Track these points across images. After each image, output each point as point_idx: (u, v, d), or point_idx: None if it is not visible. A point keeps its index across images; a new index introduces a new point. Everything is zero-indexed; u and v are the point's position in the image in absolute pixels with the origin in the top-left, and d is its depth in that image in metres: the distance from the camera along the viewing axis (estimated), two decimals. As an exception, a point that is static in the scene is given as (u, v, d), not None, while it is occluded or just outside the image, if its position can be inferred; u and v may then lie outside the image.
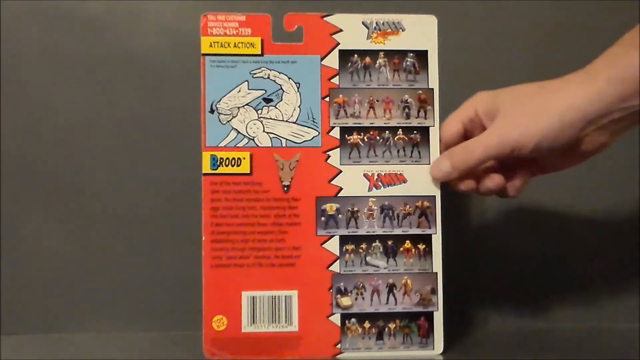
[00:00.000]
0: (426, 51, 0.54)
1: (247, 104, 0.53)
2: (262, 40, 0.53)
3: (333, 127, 0.55)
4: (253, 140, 0.54)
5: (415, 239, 0.55)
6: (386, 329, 0.56)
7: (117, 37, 0.61)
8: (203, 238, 0.54)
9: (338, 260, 0.55)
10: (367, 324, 0.56)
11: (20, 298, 0.62)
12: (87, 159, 0.63)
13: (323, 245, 0.54)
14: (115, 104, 0.63)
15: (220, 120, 0.54)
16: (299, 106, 0.54)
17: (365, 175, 0.55)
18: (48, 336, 0.60)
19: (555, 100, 0.48)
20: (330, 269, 0.55)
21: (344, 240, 0.55)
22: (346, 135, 0.55)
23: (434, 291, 0.56)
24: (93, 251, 0.63)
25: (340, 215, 0.55)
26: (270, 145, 0.54)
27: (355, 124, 0.55)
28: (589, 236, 0.67)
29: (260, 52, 0.53)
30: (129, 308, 0.65)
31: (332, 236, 0.54)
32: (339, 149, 0.55)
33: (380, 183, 0.55)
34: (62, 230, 0.62)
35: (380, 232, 0.55)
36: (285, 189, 0.54)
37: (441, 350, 0.56)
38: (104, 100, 0.62)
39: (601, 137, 0.49)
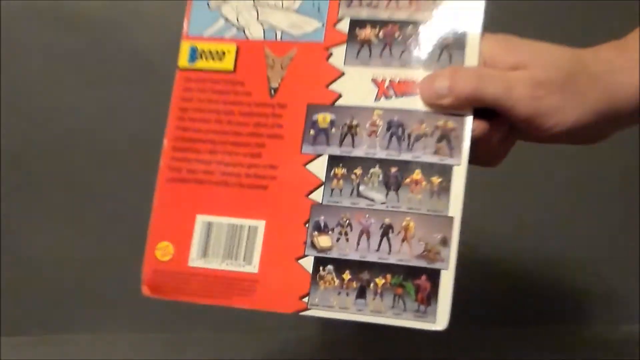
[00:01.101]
0: None
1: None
2: None
3: (341, 19, 0.55)
4: (243, 31, 0.56)
5: (429, 169, 0.51)
6: (371, 285, 0.53)
7: (118, 36, 0.70)
8: (164, 144, 0.57)
9: (322, 187, 0.52)
10: (346, 275, 0.53)
11: (20, 299, 0.69)
12: (88, 159, 0.71)
13: (307, 166, 0.53)
14: (116, 103, 0.72)
15: (209, 6, 0.57)
16: (303, -5, 0.58)
17: (373, 81, 0.53)
18: (48, 337, 0.66)
19: (603, 87, 0.52)
20: (310, 197, 0.53)
21: (333, 161, 0.53)
22: (357, 29, 0.54)
23: (445, 242, 0.51)
24: (94, 252, 0.71)
25: (334, 130, 0.53)
26: (262, 38, 0.56)
27: (369, 16, 0.54)
28: (589, 235, 0.75)
29: None
30: (129, 309, 0.70)
31: (320, 155, 0.53)
32: (345, 45, 0.54)
33: (391, 91, 0.53)
34: (63, 231, 0.70)
35: (382, 155, 0.52)
36: (272, 92, 0.54)
37: (445, 324, 0.51)
38: (105, 100, 0.70)
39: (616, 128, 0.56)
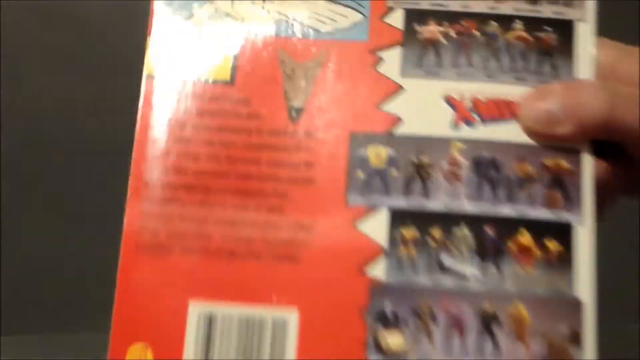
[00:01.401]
0: None
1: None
2: None
3: (392, 9, 0.42)
4: (242, 22, 0.42)
5: (540, 230, 0.39)
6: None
7: (118, 36, 0.68)
8: (128, 192, 0.40)
9: (385, 257, 0.39)
10: (433, 393, 0.39)
11: (20, 298, 0.69)
12: (89, 158, 0.72)
13: (357, 226, 0.39)
14: (117, 102, 0.70)
15: None
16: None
17: (447, 100, 0.41)
18: (48, 336, 0.66)
19: None
20: (367, 272, 0.39)
21: (398, 217, 0.40)
22: (416, 25, 0.42)
23: (575, 337, 0.37)
24: (94, 251, 0.68)
25: (394, 171, 0.40)
26: (273, 34, 0.42)
27: (434, 5, 0.42)
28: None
29: None
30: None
31: (376, 209, 0.40)
32: (400, 47, 0.42)
33: (475, 115, 0.41)
34: (63, 230, 0.69)
35: (470, 208, 0.40)
36: (294, 114, 0.41)
37: None
38: (106, 100, 0.70)
39: None
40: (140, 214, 0.40)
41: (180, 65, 0.42)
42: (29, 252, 0.69)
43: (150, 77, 0.42)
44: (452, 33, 0.42)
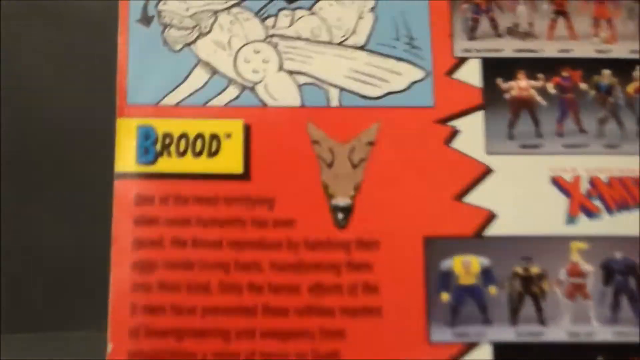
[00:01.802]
0: None
1: (236, 3, 0.42)
2: None
3: (463, 60, 0.41)
4: (254, 90, 0.40)
5: None
6: None
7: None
8: (109, 348, 0.37)
9: None
10: None
11: (20, 296, 0.72)
12: (89, 157, 0.72)
13: None
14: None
15: (168, 44, 0.41)
16: (371, 9, 0.42)
17: (556, 182, 0.40)
18: (49, 335, 0.68)
19: None
20: None
21: (506, 356, 0.38)
22: (500, 80, 0.41)
23: None
24: (95, 250, 0.63)
25: (493, 289, 0.39)
26: (299, 104, 0.40)
27: (522, 51, 0.41)
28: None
29: None
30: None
31: (473, 346, 0.38)
32: (481, 113, 0.40)
33: (597, 203, 0.39)
34: (64, 228, 0.71)
35: (606, 335, 0.38)
36: (340, 215, 0.39)
37: None
38: (105, 98, 0.62)
39: None
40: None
41: (165, 157, 0.38)
42: (29, 249, 0.71)
43: (122, 176, 0.38)
44: (551, 88, 0.40)
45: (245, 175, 0.38)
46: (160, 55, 0.39)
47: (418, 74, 0.39)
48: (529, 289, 0.37)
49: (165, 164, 0.37)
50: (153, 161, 0.37)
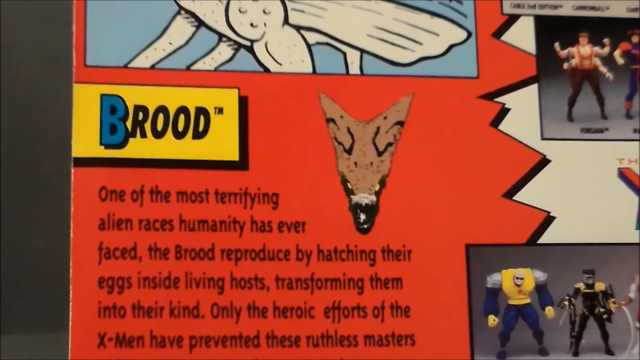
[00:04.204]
0: None
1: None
2: None
3: (515, 18, 0.38)
4: (251, 50, 0.36)
5: None
6: None
7: None
8: None
9: None
10: None
11: (20, 297, 0.70)
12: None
13: None
14: None
15: None
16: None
17: (623, 175, 0.37)
18: (49, 336, 0.64)
19: None
20: None
21: None
22: (559, 46, 0.37)
23: None
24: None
25: (550, 310, 0.35)
26: (310, 70, 0.36)
27: (583, 7, 0.38)
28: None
29: None
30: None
31: None
32: (536, 86, 0.37)
33: None
34: (66, 229, 0.58)
35: None
36: (362, 217, 0.35)
37: None
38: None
39: None
40: None
41: (138, 138, 0.33)
42: (29, 250, 0.72)
43: (83, 162, 0.33)
44: (619, 57, 0.37)
45: (241, 164, 0.35)
46: (129, 2, 0.34)
47: (458, 35, 0.36)
48: (594, 310, 0.35)
49: (138, 148, 0.33)
50: (122, 143, 0.33)
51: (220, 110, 0.35)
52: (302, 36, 0.36)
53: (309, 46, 0.36)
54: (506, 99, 0.36)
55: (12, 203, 0.75)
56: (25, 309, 0.74)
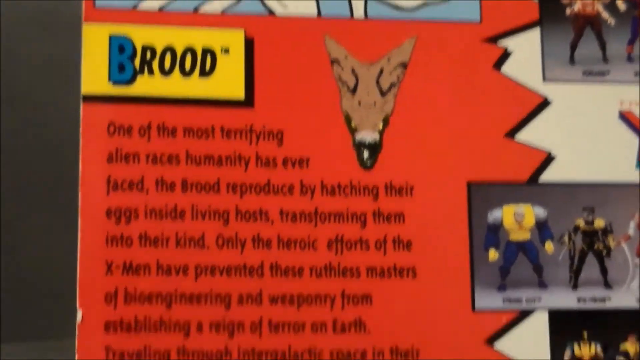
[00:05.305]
0: None
1: None
2: None
3: None
4: None
5: None
6: None
7: None
8: (79, 317, 0.34)
9: None
10: None
11: (20, 304, 0.71)
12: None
13: (495, 345, 0.35)
14: None
15: None
16: None
17: (624, 117, 0.37)
18: (49, 344, 0.68)
19: None
20: None
21: (565, 326, 0.36)
22: None
23: None
24: None
25: (549, 245, 0.36)
26: (315, 13, 0.37)
27: None
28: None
29: None
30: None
31: (526, 313, 0.36)
32: (538, 30, 0.38)
33: None
34: (65, 236, 0.60)
35: None
36: (365, 154, 0.36)
37: None
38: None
39: None
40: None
41: (146, 75, 0.34)
42: (30, 257, 0.72)
43: (92, 99, 0.34)
44: (622, 2, 0.38)
45: (247, 102, 0.36)
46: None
47: (463, -23, 0.38)
48: (593, 246, 0.36)
49: (146, 85, 0.34)
50: (130, 81, 0.34)
51: (226, 51, 0.36)
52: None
53: (318, -10, 0.39)
54: (509, 43, 0.37)
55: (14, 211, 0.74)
56: (26, 316, 0.75)
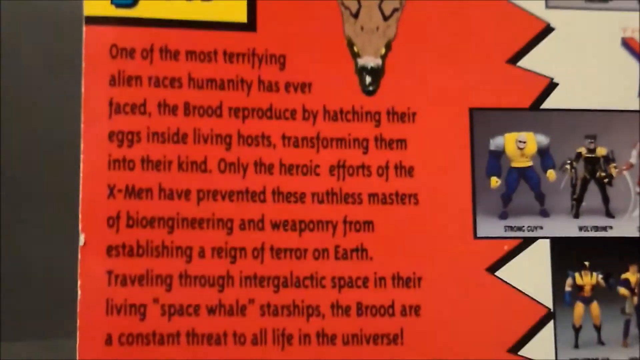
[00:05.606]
0: None
1: None
2: None
3: None
4: None
5: None
6: None
7: None
8: (81, 241, 0.34)
9: (551, 324, 0.36)
10: None
11: (21, 304, 0.71)
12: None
13: (498, 274, 0.35)
14: None
15: None
16: None
17: (627, 44, 0.37)
18: (50, 343, 0.68)
19: None
20: (521, 354, 0.36)
21: (566, 253, 0.36)
22: None
23: None
24: None
25: (551, 173, 0.36)
26: None
27: None
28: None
29: None
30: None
31: (527, 241, 0.36)
32: None
33: None
34: (64, 235, 0.61)
35: None
36: (368, 79, 0.35)
37: None
38: None
39: None
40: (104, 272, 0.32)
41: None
42: (29, 256, 0.72)
43: (95, 21, 0.33)
44: None
45: (249, 25, 0.35)
46: None
47: None
48: (595, 174, 0.36)
49: (149, 7, 0.34)
50: (133, 3, 0.34)
51: (229, -27, 0.36)
52: None
53: None
54: (510, -32, 0.36)
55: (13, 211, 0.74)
56: (26, 316, 0.75)
